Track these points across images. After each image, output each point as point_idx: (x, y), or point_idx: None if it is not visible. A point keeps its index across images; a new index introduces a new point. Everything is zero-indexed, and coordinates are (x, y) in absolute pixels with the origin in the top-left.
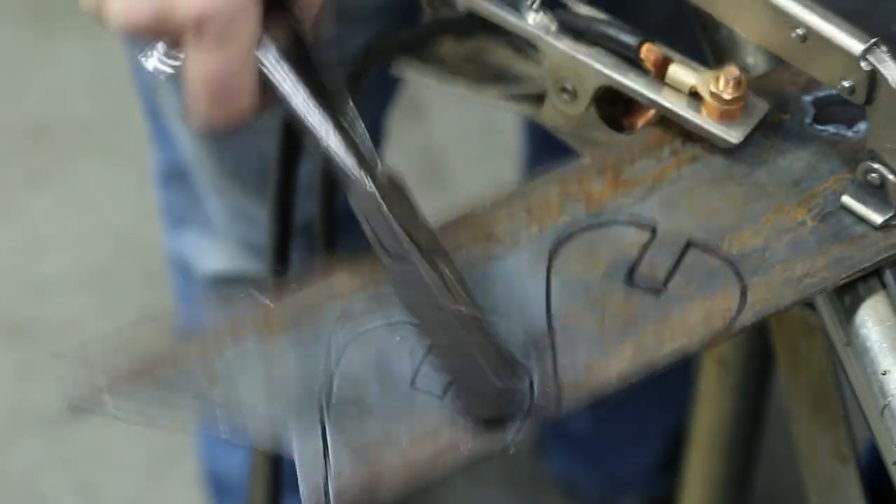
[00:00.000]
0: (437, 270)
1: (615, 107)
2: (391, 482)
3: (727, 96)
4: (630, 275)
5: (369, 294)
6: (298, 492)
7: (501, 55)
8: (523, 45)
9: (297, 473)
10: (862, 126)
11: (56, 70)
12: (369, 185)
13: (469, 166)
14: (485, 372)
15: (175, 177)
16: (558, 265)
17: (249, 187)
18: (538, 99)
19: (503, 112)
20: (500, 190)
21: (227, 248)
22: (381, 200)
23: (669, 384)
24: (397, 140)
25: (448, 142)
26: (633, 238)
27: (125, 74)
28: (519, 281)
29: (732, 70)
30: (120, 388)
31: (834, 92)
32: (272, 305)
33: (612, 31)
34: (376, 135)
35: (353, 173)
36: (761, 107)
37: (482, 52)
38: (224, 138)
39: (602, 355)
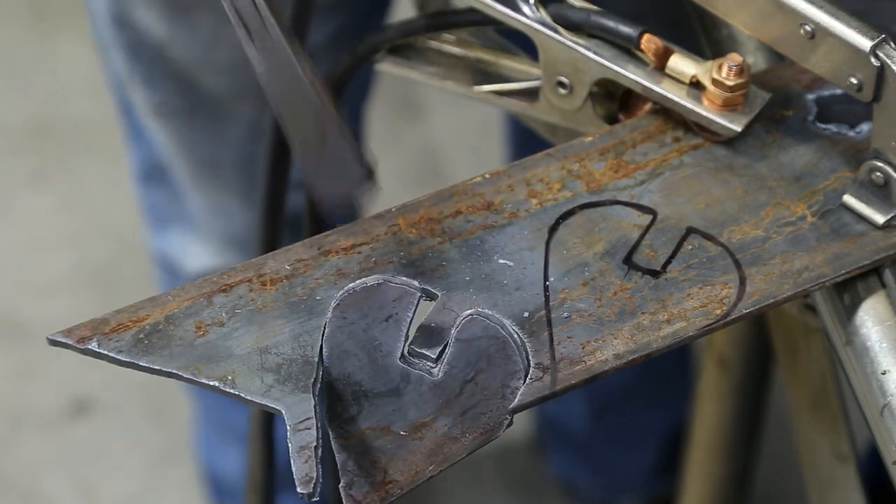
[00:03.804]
0: (298, 54)
1: (610, 103)
2: (398, 476)
3: (730, 83)
4: (629, 256)
5: (363, 254)
6: (293, 490)
7: (489, 52)
8: (508, 44)
9: (292, 465)
10: (865, 127)
11: (56, 70)
12: None
13: (469, 166)
14: (344, 153)
15: (153, 175)
16: (557, 240)
17: (228, 181)
18: (531, 94)
19: (502, 111)
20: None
21: (210, 245)
22: None
23: (668, 385)
24: (397, 140)
25: (448, 142)
26: (633, 220)
27: None
28: (517, 253)
29: (735, 57)
30: (105, 328)
31: (837, 92)
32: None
33: (612, 23)
34: (357, 124)
35: None
36: (763, 97)
37: (470, 49)
38: (199, 131)
39: (599, 334)
